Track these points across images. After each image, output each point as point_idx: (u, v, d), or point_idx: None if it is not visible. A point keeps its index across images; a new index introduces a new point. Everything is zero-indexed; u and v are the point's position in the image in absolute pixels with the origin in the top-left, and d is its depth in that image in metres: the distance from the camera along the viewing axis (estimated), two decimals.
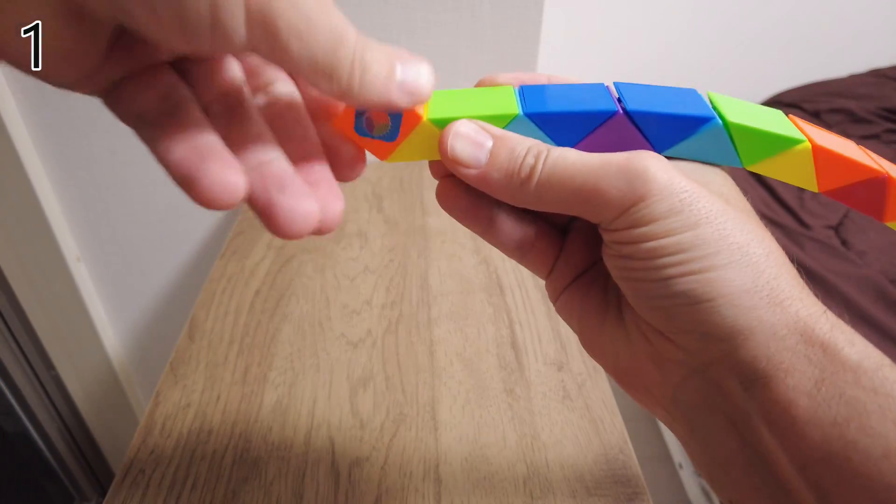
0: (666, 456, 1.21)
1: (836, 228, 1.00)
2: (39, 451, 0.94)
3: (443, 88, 0.22)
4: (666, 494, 1.25)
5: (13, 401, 0.88)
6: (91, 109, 0.78)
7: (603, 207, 0.19)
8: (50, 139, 0.80)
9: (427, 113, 0.21)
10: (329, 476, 0.40)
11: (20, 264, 0.84)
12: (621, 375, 0.22)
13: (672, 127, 0.20)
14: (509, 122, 0.20)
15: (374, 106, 0.19)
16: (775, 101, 1.66)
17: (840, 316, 0.19)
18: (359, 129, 0.21)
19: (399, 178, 0.77)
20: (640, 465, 0.40)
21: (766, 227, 0.21)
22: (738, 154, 0.21)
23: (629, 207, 0.18)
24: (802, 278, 0.20)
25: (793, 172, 0.21)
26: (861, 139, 1.45)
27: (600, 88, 0.21)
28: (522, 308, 0.54)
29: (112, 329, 1.00)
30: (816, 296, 0.19)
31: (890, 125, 1.50)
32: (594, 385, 0.46)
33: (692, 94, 0.21)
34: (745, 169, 0.21)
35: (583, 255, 0.23)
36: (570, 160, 0.19)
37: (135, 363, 1.06)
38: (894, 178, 0.20)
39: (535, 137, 0.21)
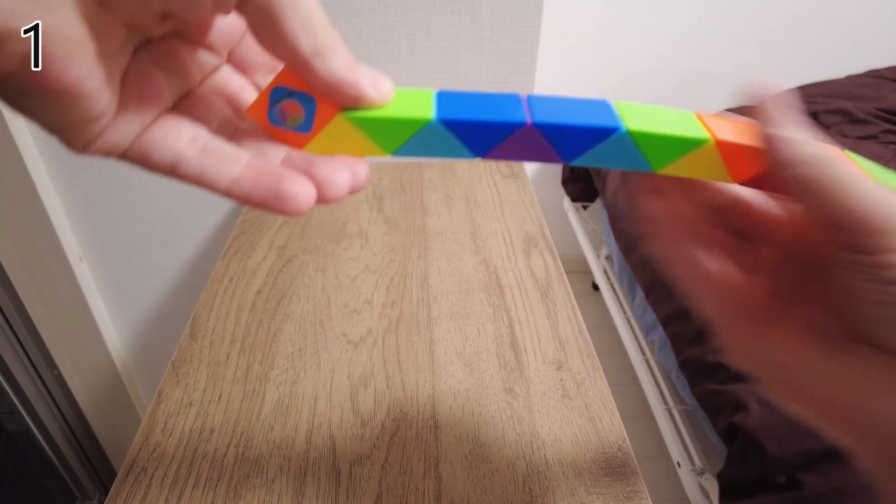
0: (664, 454, 1.21)
1: None
2: (42, 450, 0.95)
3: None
4: (664, 493, 1.25)
5: (16, 400, 0.88)
6: None
7: (867, 232, 0.18)
8: (53, 140, 0.80)
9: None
10: (330, 474, 0.40)
11: (23, 265, 0.85)
12: (853, 414, 0.21)
13: (578, 137, 0.21)
14: (422, 126, 0.21)
15: (341, 87, 0.20)
16: None
17: None
18: (272, 119, 0.21)
19: (399, 178, 0.78)
20: (638, 463, 0.41)
21: None
22: (646, 159, 0.21)
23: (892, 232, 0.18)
24: None
25: (704, 170, 0.21)
26: (858, 140, 1.46)
27: (514, 99, 0.22)
28: (522, 308, 0.55)
29: (114, 329, 1.01)
30: None
31: (887, 126, 1.51)
32: (593, 384, 0.47)
33: (602, 104, 0.22)
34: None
35: (795, 288, 0.23)
36: (850, 180, 0.19)
37: (137, 362, 1.06)
38: None
39: (450, 144, 0.21)
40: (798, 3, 1.60)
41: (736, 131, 0.21)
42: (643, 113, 0.21)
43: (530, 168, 1.74)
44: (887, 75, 1.65)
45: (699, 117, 0.22)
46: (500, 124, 0.21)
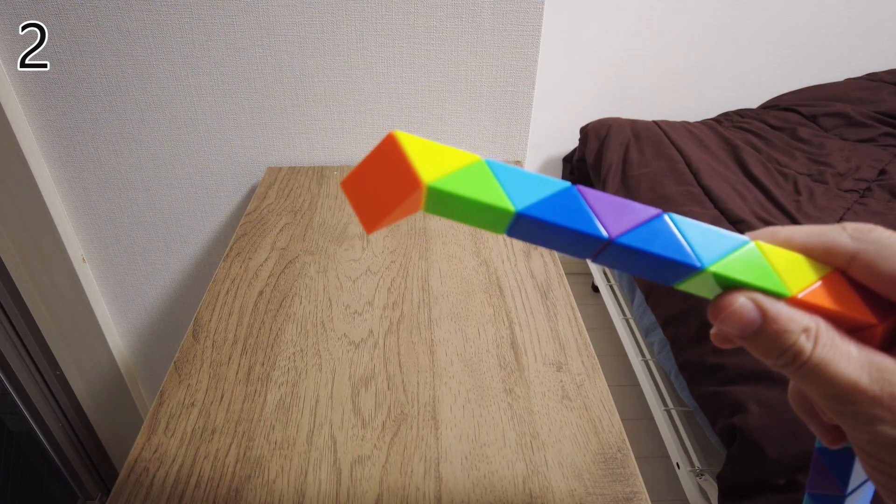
0: (664, 455, 1.21)
1: None
2: (44, 450, 0.95)
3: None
4: (663, 494, 1.25)
5: (18, 400, 0.88)
6: (96, 112, 0.79)
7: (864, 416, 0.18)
8: (55, 142, 0.81)
9: (424, 202, 0.19)
10: (331, 474, 0.40)
11: (26, 266, 0.85)
12: None
13: (659, 267, 0.19)
14: (510, 222, 0.19)
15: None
16: (773, 105, 1.67)
17: None
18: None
19: None
20: (637, 464, 0.41)
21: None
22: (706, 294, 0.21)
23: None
24: None
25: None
26: (857, 142, 1.46)
27: (572, 193, 0.19)
28: (522, 309, 0.55)
29: (117, 329, 1.01)
30: None
31: (886, 129, 1.51)
32: (592, 385, 0.47)
33: (661, 220, 0.19)
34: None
35: None
36: (845, 359, 0.18)
37: (139, 363, 1.07)
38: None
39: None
40: (797, 6, 1.60)
41: (804, 276, 0.20)
42: (704, 236, 0.19)
43: (530, 169, 1.74)
44: (886, 78, 1.65)
45: (762, 251, 0.20)
46: (580, 234, 0.19)
